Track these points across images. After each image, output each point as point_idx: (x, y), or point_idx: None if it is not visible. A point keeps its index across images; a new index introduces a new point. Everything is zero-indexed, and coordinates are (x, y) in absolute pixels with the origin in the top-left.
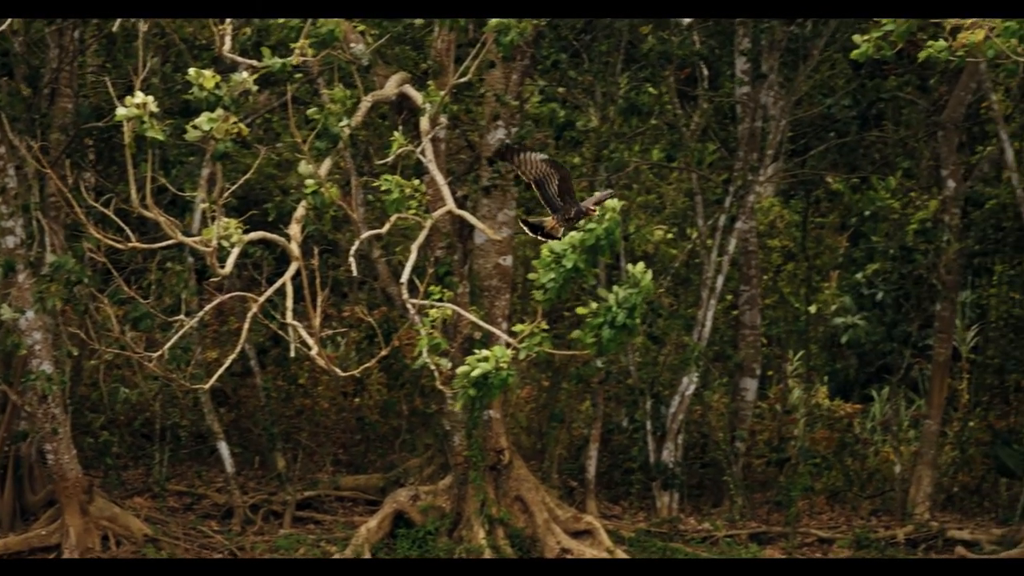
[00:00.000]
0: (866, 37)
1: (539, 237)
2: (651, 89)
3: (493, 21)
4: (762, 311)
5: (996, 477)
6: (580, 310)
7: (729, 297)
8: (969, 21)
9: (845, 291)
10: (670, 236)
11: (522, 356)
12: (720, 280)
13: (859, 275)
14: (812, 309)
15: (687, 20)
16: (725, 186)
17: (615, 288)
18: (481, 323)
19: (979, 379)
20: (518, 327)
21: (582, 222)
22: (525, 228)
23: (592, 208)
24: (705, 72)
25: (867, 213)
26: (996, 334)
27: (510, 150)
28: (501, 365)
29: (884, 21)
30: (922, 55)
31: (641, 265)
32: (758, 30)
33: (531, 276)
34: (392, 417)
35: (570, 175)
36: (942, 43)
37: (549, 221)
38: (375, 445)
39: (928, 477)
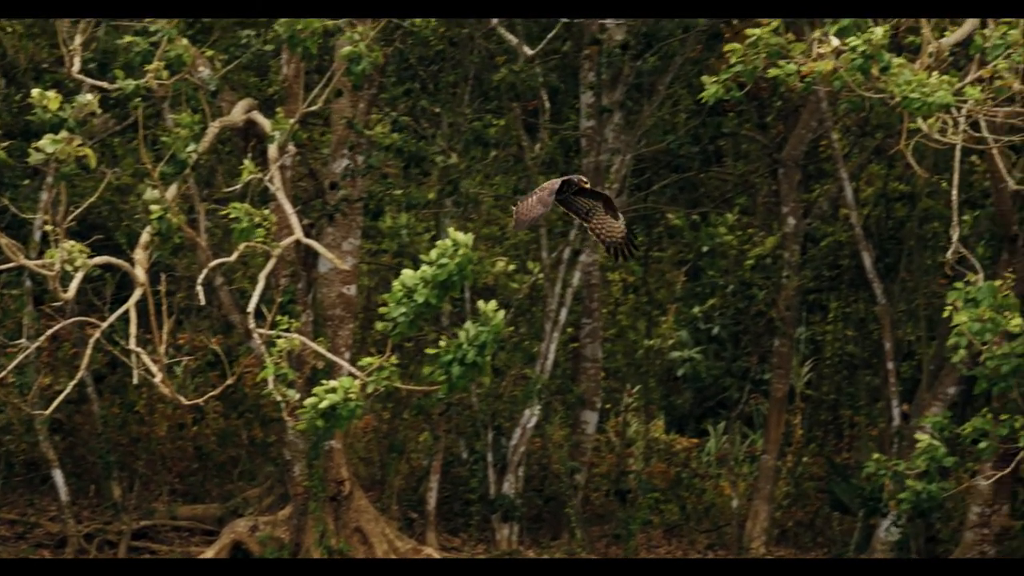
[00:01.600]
0: (715, 79)
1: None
2: (496, 120)
3: (345, 50)
4: (602, 344)
5: (830, 512)
6: (430, 350)
7: (570, 330)
8: (818, 50)
9: (682, 325)
10: (511, 268)
11: (370, 390)
12: (563, 313)
13: (696, 310)
14: (650, 343)
15: (530, 52)
16: (566, 218)
17: (466, 325)
18: (328, 354)
19: (813, 415)
20: (366, 360)
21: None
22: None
23: (584, 180)
24: (547, 105)
25: (705, 248)
26: (830, 370)
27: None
28: (350, 396)
29: (733, 61)
30: (772, 73)
31: (493, 303)
32: (604, 64)
33: (382, 310)
34: (231, 446)
35: (571, 184)
36: (792, 66)
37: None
38: (213, 474)
39: (764, 511)
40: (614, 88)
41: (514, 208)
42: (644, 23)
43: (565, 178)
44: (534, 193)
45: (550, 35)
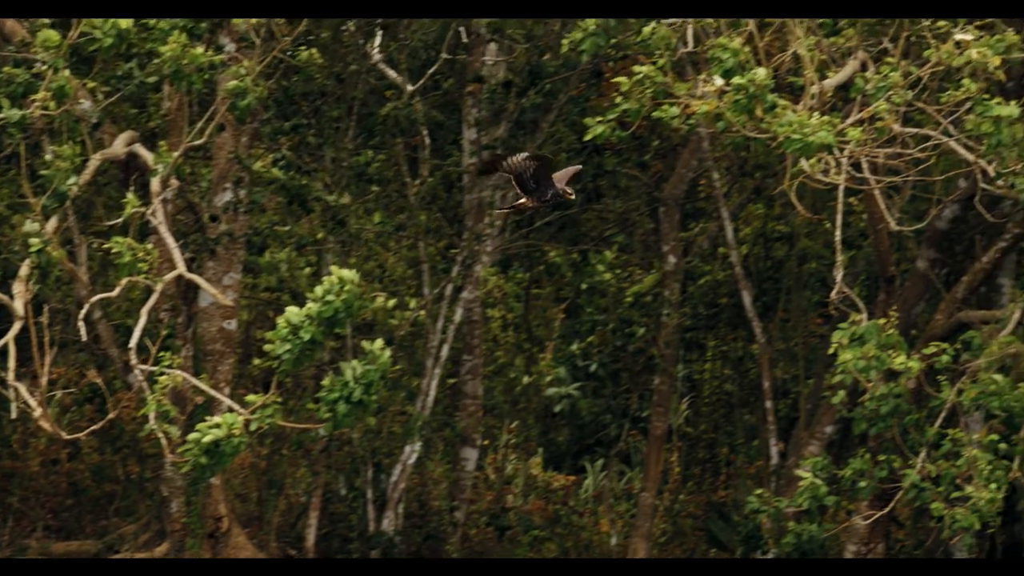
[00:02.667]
0: (599, 119)
1: (510, 210)
2: (378, 156)
3: (230, 84)
4: (482, 381)
5: (708, 549)
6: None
7: (449, 366)
8: (703, 89)
9: (561, 362)
10: (391, 304)
11: (254, 427)
12: (445, 349)
13: (574, 347)
14: (528, 380)
15: (411, 87)
16: (444, 254)
17: (352, 363)
18: (211, 391)
19: (690, 453)
20: (251, 397)
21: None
22: (501, 211)
23: (568, 190)
24: (427, 141)
25: (584, 286)
26: (708, 409)
27: (496, 159)
28: (234, 432)
29: (619, 101)
30: (656, 114)
31: (379, 341)
32: (487, 101)
33: (268, 347)
34: (106, 482)
35: (550, 163)
36: (675, 109)
37: (523, 202)
38: (88, 510)
39: (642, 549)
40: (497, 125)
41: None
42: (528, 60)
43: (549, 168)
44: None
45: (431, 71)
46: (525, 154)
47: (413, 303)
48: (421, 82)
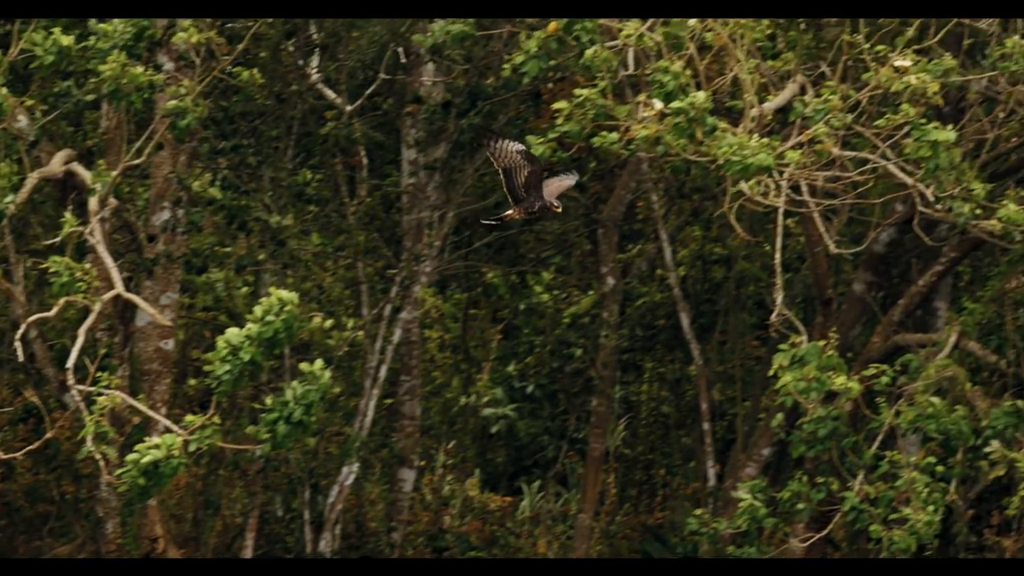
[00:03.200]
0: (541, 139)
1: (497, 222)
2: (316, 175)
3: (170, 104)
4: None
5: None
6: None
7: (386, 386)
8: (643, 114)
9: (497, 383)
10: (328, 324)
11: (193, 448)
12: (384, 370)
13: (511, 368)
14: (465, 400)
15: (349, 107)
16: (382, 274)
17: (293, 384)
18: (149, 411)
19: (627, 474)
20: (189, 418)
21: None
22: (487, 223)
23: (555, 203)
24: (365, 161)
25: (522, 307)
26: (645, 430)
27: (490, 135)
28: (173, 453)
29: (559, 122)
30: (595, 141)
31: (319, 362)
32: (426, 121)
33: (207, 368)
34: (40, 502)
35: (542, 171)
36: (614, 135)
37: (510, 213)
38: (21, 531)
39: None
40: (436, 145)
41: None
42: (467, 82)
43: (540, 179)
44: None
45: (369, 91)
46: (520, 147)
47: (351, 323)
48: (359, 102)
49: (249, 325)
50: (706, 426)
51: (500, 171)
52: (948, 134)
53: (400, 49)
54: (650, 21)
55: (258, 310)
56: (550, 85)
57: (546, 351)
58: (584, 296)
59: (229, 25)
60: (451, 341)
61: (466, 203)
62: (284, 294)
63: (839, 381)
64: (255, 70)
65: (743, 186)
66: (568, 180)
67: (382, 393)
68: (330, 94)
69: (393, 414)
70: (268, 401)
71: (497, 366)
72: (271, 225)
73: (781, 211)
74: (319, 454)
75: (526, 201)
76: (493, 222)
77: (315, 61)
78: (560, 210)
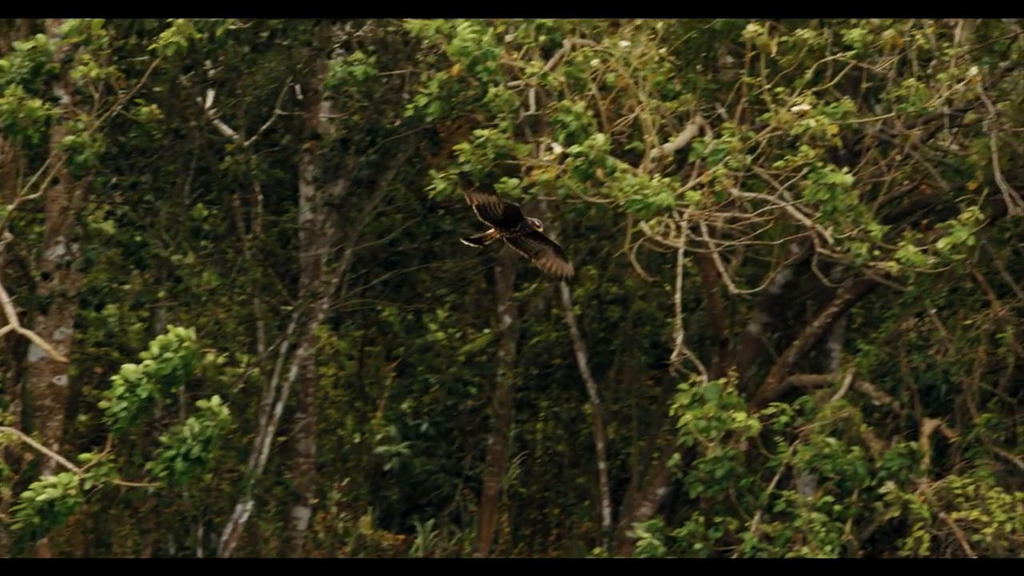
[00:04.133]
0: (443, 174)
1: (477, 245)
2: (213, 211)
3: (67, 139)
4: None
5: None
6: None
7: (280, 423)
8: (545, 157)
9: (391, 421)
10: (221, 360)
11: (88, 485)
12: (280, 407)
13: (405, 405)
14: (359, 438)
15: (246, 142)
16: (278, 311)
17: (190, 421)
18: (43, 448)
19: (521, 513)
20: (85, 456)
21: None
22: (468, 243)
23: (536, 222)
24: (260, 197)
25: (417, 345)
26: (540, 469)
27: (469, 192)
28: (68, 491)
29: (461, 159)
30: (496, 189)
31: (216, 399)
32: (324, 157)
33: (103, 404)
34: None
35: (520, 210)
36: (514, 180)
37: (491, 232)
38: None
39: None
40: (335, 182)
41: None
42: (365, 119)
43: (518, 209)
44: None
45: (264, 127)
46: (500, 202)
47: (245, 360)
48: (254, 138)
49: (146, 361)
50: (601, 465)
51: (476, 211)
52: (845, 177)
53: (297, 86)
54: (552, 61)
55: (155, 346)
56: (447, 123)
57: (442, 389)
58: (479, 334)
59: (127, 59)
60: (346, 378)
61: (363, 240)
62: (182, 331)
63: (739, 419)
64: (154, 106)
65: (644, 226)
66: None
67: (277, 430)
68: (227, 130)
69: (288, 451)
70: (165, 438)
71: (391, 404)
72: (168, 261)
73: (681, 251)
74: (212, 491)
75: (505, 223)
76: (473, 243)
77: (211, 96)
78: (541, 229)
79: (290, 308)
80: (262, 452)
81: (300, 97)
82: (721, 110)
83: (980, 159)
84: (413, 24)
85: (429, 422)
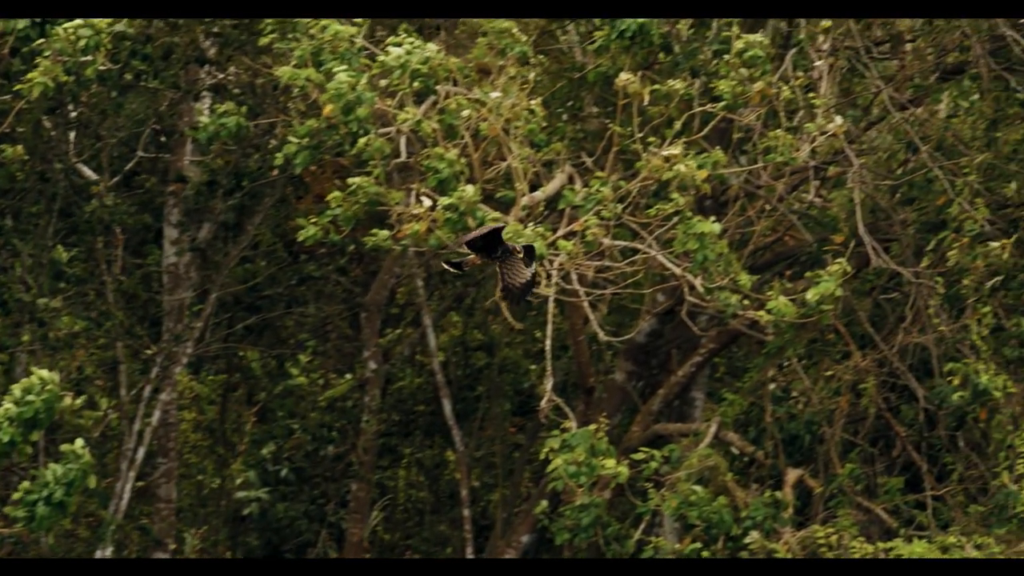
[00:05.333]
0: (313, 220)
1: (456, 270)
2: (74, 253)
3: None
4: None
5: None
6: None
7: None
8: (415, 210)
9: (251, 466)
10: (78, 404)
11: None
12: (141, 452)
13: (265, 451)
14: (217, 483)
15: (109, 185)
16: (140, 354)
17: (51, 465)
18: None
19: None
20: None
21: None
22: (448, 267)
23: (517, 248)
24: (121, 239)
25: (278, 390)
26: (402, 516)
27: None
28: None
29: (332, 204)
30: (368, 241)
31: (80, 442)
32: (190, 200)
33: None
34: None
35: (500, 232)
36: (385, 233)
37: (471, 258)
38: None
39: None
40: (200, 226)
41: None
42: (231, 163)
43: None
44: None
45: (126, 168)
46: (483, 229)
47: (104, 403)
48: (115, 179)
49: (7, 405)
50: (466, 512)
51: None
52: (713, 226)
53: (159, 128)
54: (424, 107)
55: (16, 390)
56: (312, 167)
57: (304, 435)
58: (341, 380)
59: None
60: (206, 423)
61: (228, 285)
62: (45, 373)
63: (609, 465)
64: (20, 146)
65: None
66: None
67: (137, 475)
68: (88, 172)
69: (148, 497)
70: (25, 484)
71: (252, 449)
72: (31, 304)
73: (552, 300)
74: (71, 537)
75: (485, 248)
76: (453, 268)
77: (72, 139)
78: (522, 255)
79: (153, 352)
80: (123, 497)
81: (163, 140)
82: (586, 159)
83: (842, 212)
84: (283, 72)
85: (289, 467)
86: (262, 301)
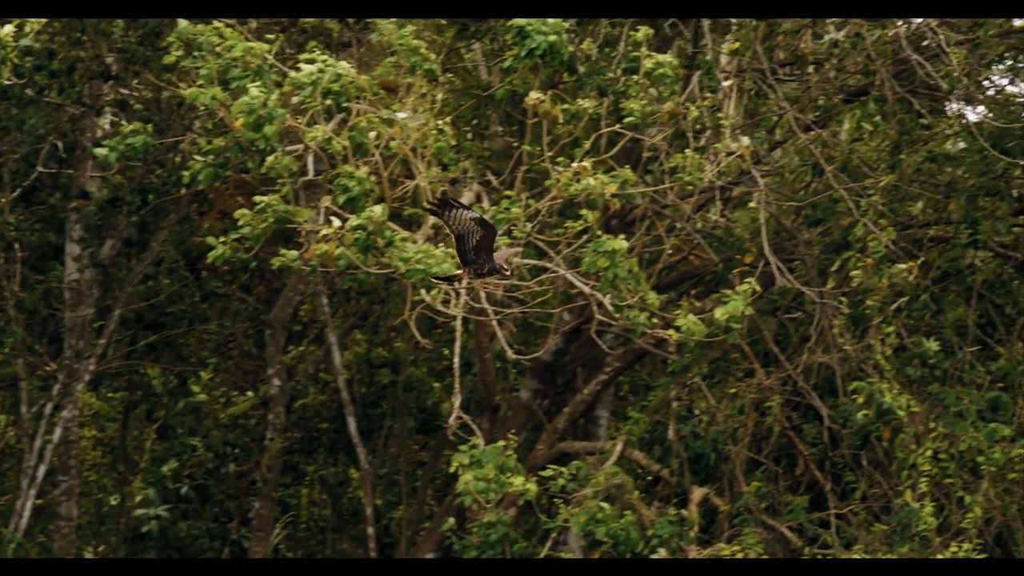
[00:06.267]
0: (223, 239)
1: (451, 287)
2: None
3: None
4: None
5: None
6: None
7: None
8: (323, 232)
9: (151, 483)
10: None
11: None
12: (42, 469)
13: (165, 468)
14: (116, 501)
15: (9, 200)
16: (36, 371)
17: None
18: None
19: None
20: None
21: (493, 278)
22: (438, 281)
23: (504, 266)
24: (19, 254)
25: (179, 407)
26: (304, 534)
27: (445, 204)
28: None
29: (241, 223)
30: (275, 262)
31: None
32: (93, 216)
33: None
34: None
35: (495, 234)
36: (294, 253)
37: (459, 273)
38: None
39: None
40: (103, 242)
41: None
42: (132, 179)
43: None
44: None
45: (26, 183)
46: (474, 214)
47: (3, 420)
48: (14, 195)
49: None
50: (370, 530)
51: (453, 236)
52: (623, 243)
53: (59, 144)
54: (332, 124)
55: None
56: (217, 184)
57: (206, 452)
58: (243, 397)
59: None
60: (106, 440)
61: (130, 301)
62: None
63: (517, 482)
64: None
65: (424, 295)
66: (516, 249)
67: (37, 492)
68: None
69: (48, 514)
70: None
71: (152, 467)
72: None
73: (460, 319)
74: None
75: (475, 263)
76: (441, 281)
77: None
78: (509, 274)
79: (54, 369)
80: (23, 515)
81: (64, 156)
82: (492, 178)
83: (745, 232)
84: (190, 92)
85: (190, 485)
86: (165, 318)
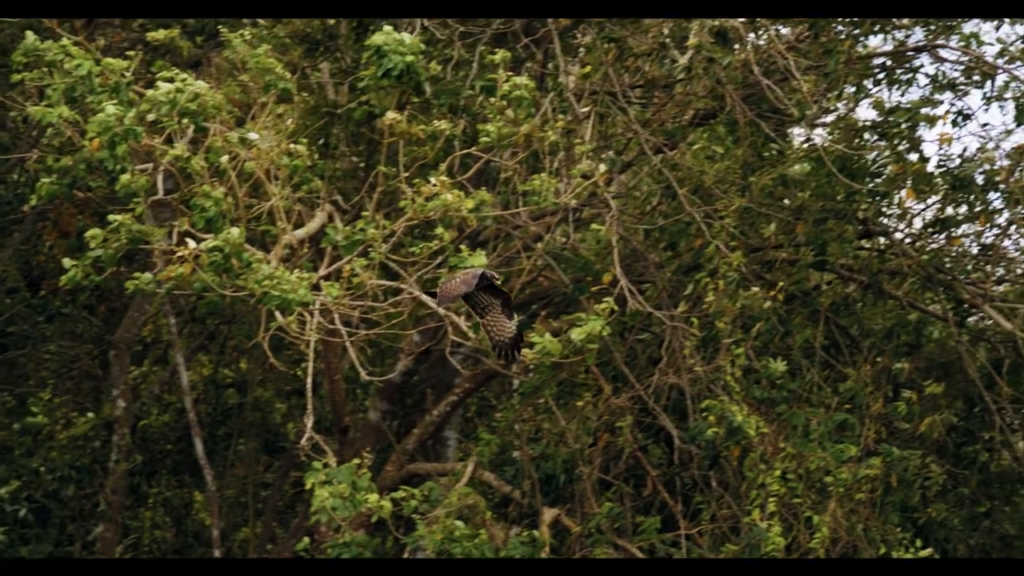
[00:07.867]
0: (75, 262)
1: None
2: None
3: None
4: None
5: None
6: None
7: None
8: (179, 252)
9: None
10: None
11: None
12: None
13: (3, 491)
14: None
15: None
16: None
17: None
18: None
19: None
20: None
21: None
22: (426, 296)
23: (495, 275)
24: None
25: (16, 428)
26: (148, 557)
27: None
28: None
29: (93, 246)
30: (129, 286)
31: None
32: None
33: None
34: None
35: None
36: (148, 276)
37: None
38: None
39: None
40: None
41: (437, 289)
42: None
43: (483, 271)
44: (457, 276)
45: None
46: (460, 279)
47: None
48: None
49: None
50: (217, 552)
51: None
52: (482, 258)
53: None
54: (185, 140)
55: None
56: (58, 202)
57: (45, 475)
58: (83, 419)
59: None
60: None
61: None
62: None
63: (372, 500)
64: None
65: (279, 318)
66: (476, 271)
67: None
68: None
69: None
70: None
71: None
72: None
73: (313, 342)
74: None
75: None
76: (430, 297)
77: None
78: (500, 281)
79: None
80: None
81: None
82: (340, 199)
83: (592, 254)
84: (35, 111)
85: (28, 508)
86: (5, 339)
